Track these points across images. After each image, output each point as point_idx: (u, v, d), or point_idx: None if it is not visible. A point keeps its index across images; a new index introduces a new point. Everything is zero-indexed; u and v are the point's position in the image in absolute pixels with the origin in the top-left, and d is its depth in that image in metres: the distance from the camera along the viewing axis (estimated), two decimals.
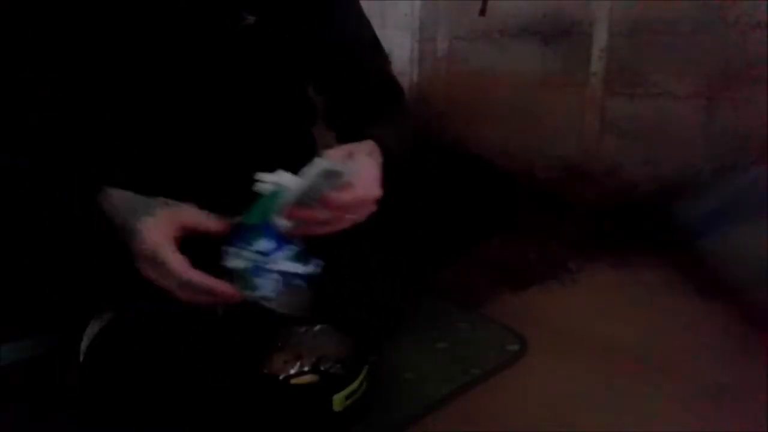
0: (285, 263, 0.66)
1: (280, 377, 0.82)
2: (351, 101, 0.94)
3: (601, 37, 1.60)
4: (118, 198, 0.68)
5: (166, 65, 0.79)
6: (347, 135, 0.88)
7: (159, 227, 0.65)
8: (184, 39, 0.78)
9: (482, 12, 1.85)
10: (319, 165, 0.66)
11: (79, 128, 0.76)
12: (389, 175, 0.75)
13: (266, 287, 0.65)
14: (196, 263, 0.64)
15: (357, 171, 0.69)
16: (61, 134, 0.75)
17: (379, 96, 0.94)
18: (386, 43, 1.00)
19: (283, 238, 0.66)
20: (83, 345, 0.78)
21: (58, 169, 0.73)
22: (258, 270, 0.65)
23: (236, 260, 0.65)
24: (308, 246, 0.69)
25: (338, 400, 0.73)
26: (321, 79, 0.95)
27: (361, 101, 0.93)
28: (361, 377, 0.76)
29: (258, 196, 0.65)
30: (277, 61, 0.86)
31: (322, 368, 0.85)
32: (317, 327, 0.85)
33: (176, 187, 0.71)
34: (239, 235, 0.65)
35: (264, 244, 0.65)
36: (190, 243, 0.66)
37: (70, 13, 0.73)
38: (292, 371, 0.84)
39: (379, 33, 0.97)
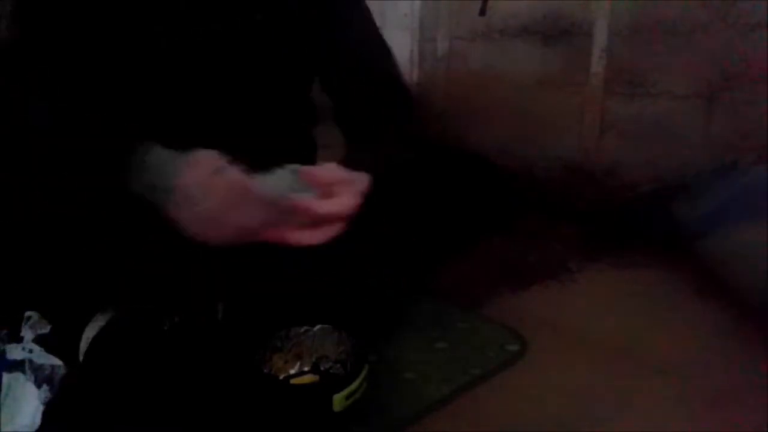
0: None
1: (280, 377, 0.82)
2: (358, 103, 0.95)
3: (601, 37, 1.59)
4: (152, 155, 0.67)
5: (170, 61, 0.79)
6: (354, 135, 0.92)
7: (206, 158, 0.65)
8: (189, 34, 0.79)
9: (482, 12, 1.85)
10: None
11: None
12: (384, 183, 0.76)
13: None
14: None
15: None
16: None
17: (385, 98, 0.95)
18: None
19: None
20: (82, 346, 0.78)
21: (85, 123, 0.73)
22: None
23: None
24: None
25: (338, 400, 0.73)
26: (329, 80, 0.96)
27: (368, 104, 0.94)
28: (361, 377, 0.76)
29: None
30: (281, 60, 0.87)
31: (322, 368, 0.85)
32: (317, 327, 0.85)
33: None
34: None
35: None
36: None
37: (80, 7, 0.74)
38: (292, 371, 0.84)
39: None
